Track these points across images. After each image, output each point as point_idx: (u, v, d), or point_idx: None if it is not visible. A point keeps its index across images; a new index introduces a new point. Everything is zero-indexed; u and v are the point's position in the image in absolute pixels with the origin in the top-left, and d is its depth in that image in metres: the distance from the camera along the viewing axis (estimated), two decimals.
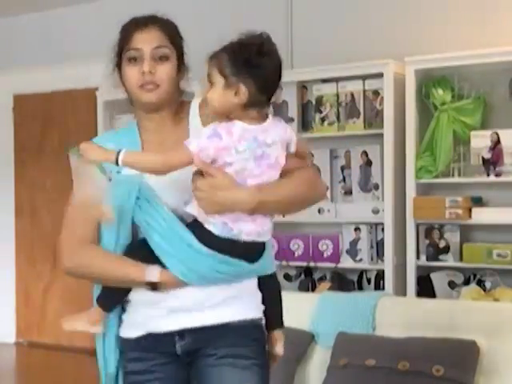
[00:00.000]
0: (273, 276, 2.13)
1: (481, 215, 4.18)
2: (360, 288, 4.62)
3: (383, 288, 4.40)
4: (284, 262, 4.70)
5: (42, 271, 6.42)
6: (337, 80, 4.62)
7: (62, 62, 6.07)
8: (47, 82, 6.22)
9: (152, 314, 1.98)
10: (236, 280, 1.97)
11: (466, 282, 4.22)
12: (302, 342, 3.23)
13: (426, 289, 4.27)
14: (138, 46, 2.00)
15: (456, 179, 4.29)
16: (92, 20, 5.89)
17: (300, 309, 3.34)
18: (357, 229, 4.59)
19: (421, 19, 4.60)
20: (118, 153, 1.86)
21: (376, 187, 4.53)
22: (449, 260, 4.27)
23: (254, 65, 1.86)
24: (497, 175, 4.12)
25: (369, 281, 4.61)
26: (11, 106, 6.61)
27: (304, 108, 4.78)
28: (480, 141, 4.15)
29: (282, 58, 1.93)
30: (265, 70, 1.87)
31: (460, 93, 4.28)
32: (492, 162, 4.12)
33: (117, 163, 1.87)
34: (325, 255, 4.67)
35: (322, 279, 4.73)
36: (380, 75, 4.40)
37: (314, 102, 4.70)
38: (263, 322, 2.08)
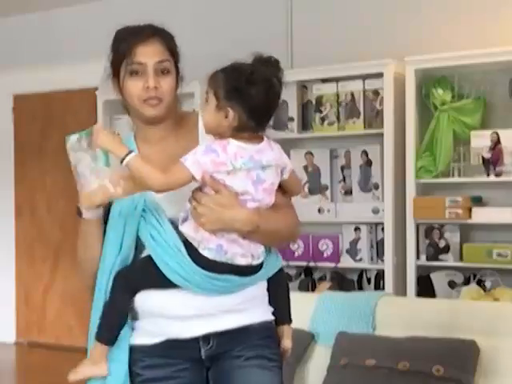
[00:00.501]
0: (281, 271, 2.14)
1: (481, 215, 4.18)
2: (360, 288, 4.62)
3: (383, 288, 4.40)
4: (284, 262, 4.69)
5: (41, 271, 6.42)
6: (337, 80, 4.62)
7: (61, 62, 6.07)
8: (47, 81, 6.22)
9: (169, 322, 1.96)
10: (238, 290, 1.96)
11: (466, 282, 4.22)
12: (302, 342, 3.22)
13: (425, 289, 4.27)
14: (142, 60, 1.98)
15: (456, 179, 4.29)
16: (92, 20, 5.89)
17: (300, 309, 3.32)
18: (357, 229, 4.59)
19: (421, 19, 4.60)
20: (129, 152, 1.85)
21: (376, 187, 4.53)
22: (449, 260, 4.27)
23: (242, 93, 1.85)
24: (497, 175, 4.12)
25: (369, 281, 4.61)
26: (11, 105, 6.61)
27: (304, 108, 4.78)
28: (480, 141, 4.15)
29: (282, 84, 1.91)
30: (253, 99, 1.85)
31: (460, 93, 4.28)
32: (492, 162, 4.12)
33: (121, 161, 1.84)
34: (325, 255, 4.67)
35: (321, 279, 4.73)
36: (380, 75, 4.41)
37: (313, 102, 4.70)
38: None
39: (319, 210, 4.66)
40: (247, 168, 1.86)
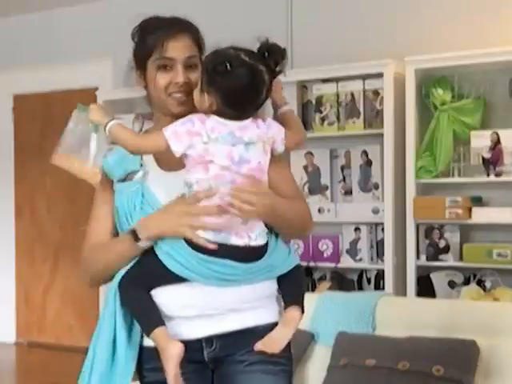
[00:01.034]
0: (297, 268, 2.04)
1: (481, 215, 4.18)
2: (360, 288, 4.62)
3: (383, 288, 4.40)
4: None
5: (41, 271, 6.42)
6: (337, 80, 4.62)
7: (61, 62, 6.07)
8: (47, 81, 6.22)
9: (171, 324, 1.93)
10: (244, 280, 1.93)
11: (466, 282, 4.22)
12: (302, 342, 3.22)
13: (425, 289, 4.27)
14: (172, 55, 1.98)
15: (456, 179, 4.29)
16: (92, 20, 5.89)
17: None
18: (357, 229, 4.59)
19: (421, 19, 4.60)
20: (111, 120, 1.93)
21: (376, 187, 4.53)
22: (449, 260, 4.27)
23: (215, 80, 1.86)
24: (497, 175, 4.12)
25: (369, 281, 4.61)
26: (11, 105, 6.61)
27: (304, 108, 4.78)
28: (480, 141, 4.15)
29: (276, 73, 1.91)
30: (225, 88, 1.85)
31: (460, 93, 4.28)
32: (492, 162, 4.12)
33: (104, 128, 1.94)
34: (325, 255, 4.67)
35: (321, 279, 4.73)
36: (380, 75, 4.41)
37: (313, 102, 4.70)
38: None
39: (319, 210, 4.65)
40: (225, 142, 1.85)
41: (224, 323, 1.95)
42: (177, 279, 1.90)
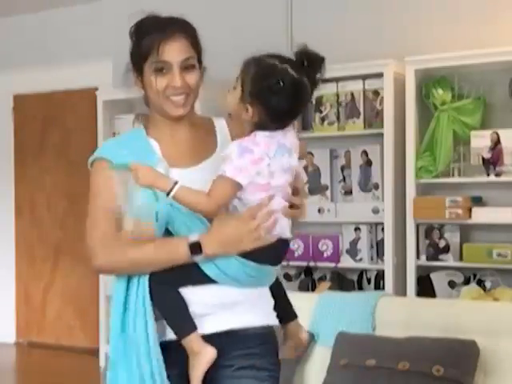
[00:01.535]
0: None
1: (481, 215, 4.18)
2: (360, 288, 4.62)
3: (383, 288, 4.40)
4: (284, 262, 4.69)
5: (41, 271, 6.42)
6: (337, 80, 4.61)
7: (61, 62, 6.07)
8: (47, 81, 6.23)
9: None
10: (264, 282, 1.97)
11: (466, 282, 4.22)
12: None
13: (426, 289, 4.27)
14: (167, 58, 1.96)
15: (456, 179, 4.29)
16: (92, 20, 5.88)
17: (300, 309, 3.32)
18: (357, 229, 4.59)
19: (421, 19, 4.60)
20: (175, 184, 1.82)
21: (376, 187, 4.53)
22: (449, 260, 4.27)
23: (266, 99, 1.84)
24: (497, 175, 4.12)
25: (369, 281, 4.61)
26: (11, 105, 6.61)
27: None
28: (480, 141, 4.15)
29: (318, 84, 1.96)
30: (275, 107, 1.84)
31: (460, 93, 4.28)
32: (492, 162, 4.12)
33: (167, 194, 1.82)
34: (325, 255, 4.67)
35: (321, 279, 4.73)
36: (380, 75, 4.41)
37: (313, 102, 4.69)
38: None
39: (319, 210, 4.66)
40: (280, 155, 1.86)
41: (220, 322, 1.93)
42: (206, 281, 1.89)
